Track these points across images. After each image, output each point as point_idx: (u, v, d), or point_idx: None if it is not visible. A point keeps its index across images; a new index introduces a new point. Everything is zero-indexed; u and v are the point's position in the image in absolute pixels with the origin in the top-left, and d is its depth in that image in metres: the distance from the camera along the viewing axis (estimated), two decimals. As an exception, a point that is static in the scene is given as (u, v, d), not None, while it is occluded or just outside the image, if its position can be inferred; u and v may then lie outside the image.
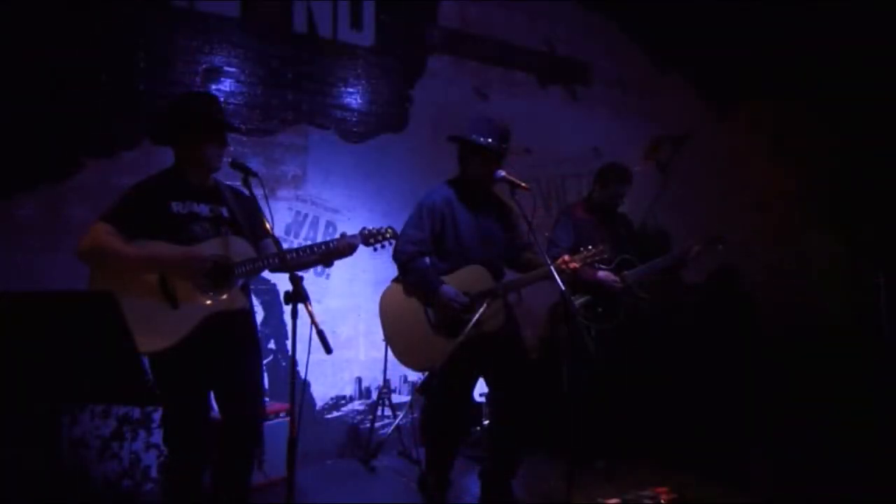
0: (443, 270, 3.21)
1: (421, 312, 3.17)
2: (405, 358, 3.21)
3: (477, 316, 3.06)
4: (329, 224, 4.40)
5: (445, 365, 3.03)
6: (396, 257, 3.20)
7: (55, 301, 1.89)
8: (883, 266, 5.66)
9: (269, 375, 4.08)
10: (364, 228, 2.89)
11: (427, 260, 3.23)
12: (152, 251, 2.45)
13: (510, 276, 3.37)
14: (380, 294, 3.29)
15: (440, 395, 3.35)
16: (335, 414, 4.39)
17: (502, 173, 3.04)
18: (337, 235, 2.86)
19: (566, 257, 3.10)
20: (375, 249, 2.94)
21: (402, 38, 4.79)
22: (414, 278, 3.16)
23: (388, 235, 2.94)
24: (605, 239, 3.85)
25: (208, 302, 2.49)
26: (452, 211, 3.22)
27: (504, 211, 3.38)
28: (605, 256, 3.31)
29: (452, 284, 3.15)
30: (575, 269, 3.09)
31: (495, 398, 3.26)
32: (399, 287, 3.23)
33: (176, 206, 2.56)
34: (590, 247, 3.24)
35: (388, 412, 4.46)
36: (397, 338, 3.21)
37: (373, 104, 4.65)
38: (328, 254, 2.76)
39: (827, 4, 6.09)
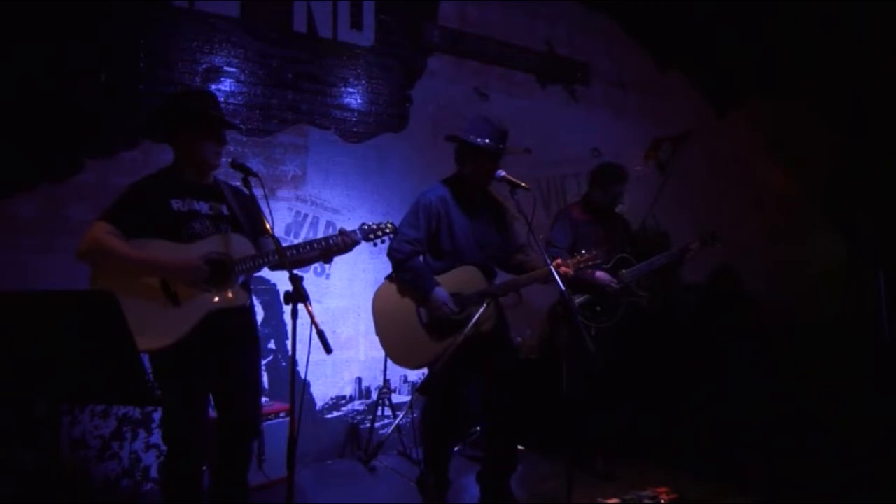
0: (437, 270, 3.22)
1: (413, 312, 3.18)
2: (396, 356, 3.22)
3: (477, 316, 3.07)
4: (329, 224, 4.40)
5: (446, 365, 3.04)
6: (392, 255, 3.20)
7: (55, 301, 1.89)
8: (882, 265, 5.67)
9: (269, 375, 4.09)
10: (363, 223, 2.88)
11: (421, 259, 3.24)
12: (151, 255, 2.45)
13: (502, 277, 3.38)
14: (377, 293, 3.30)
15: (441, 395, 3.35)
16: (335, 414, 4.39)
17: (502, 173, 3.04)
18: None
19: (559, 261, 3.10)
20: (375, 244, 2.93)
21: (402, 38, 4.79)
22: (409, 277, 3.17)
23: (387, 230, 2.93)
24: (603, 239, 3.87)
25: (210, 300, 2.49)
26: (448, 210, 3.22)
27: (499, 211, 3.38)
28: (599, 262, 3.31)
29: (446, 284, 3.16)
30: (567, 274, 3.07)
31: (488, 398, 3.26)
32: (392, 286, 3.24)
33: (176, 204, 2.56)
34: (583, 251, 3.24)
35: (388, 412, 4.46)
36: (389, 336, 3.21)
37: (373, 104, 4.65)
38: (328, 250, 2.75)
39: (827, 4, 6.10)
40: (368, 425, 4.37)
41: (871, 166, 6.23)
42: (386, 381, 4.40)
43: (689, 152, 6.33)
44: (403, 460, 4.27)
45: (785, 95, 6.53)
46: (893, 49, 5.97)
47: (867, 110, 6.23)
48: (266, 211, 2.49)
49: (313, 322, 2.11)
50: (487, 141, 3.14)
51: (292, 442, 2.19)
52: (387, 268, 3.28)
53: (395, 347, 3.21)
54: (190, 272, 2.44)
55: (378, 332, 3.23)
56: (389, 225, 2.95)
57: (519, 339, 4.74)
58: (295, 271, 2.25)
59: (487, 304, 3.11)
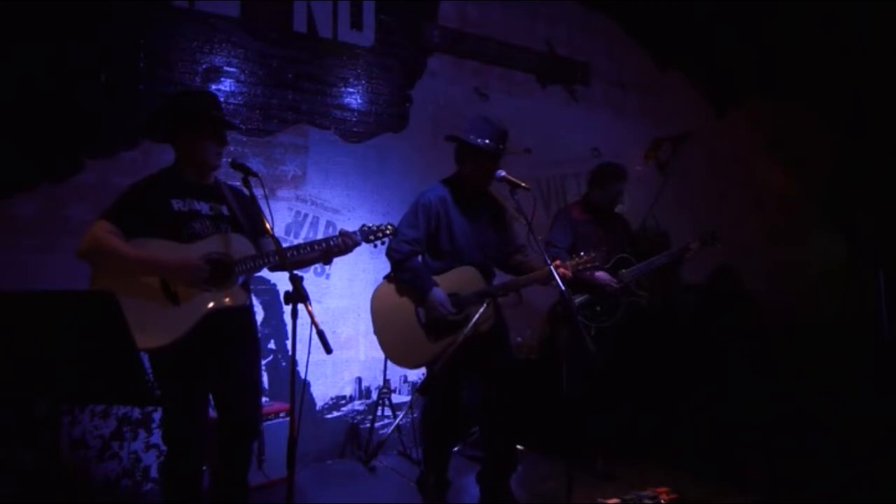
0: (436, 270, 3.22)
1: (412, 312, 3.18)
2: (395, 356, 3.22)
3: (476, 317, 3.07)
4: (329, 224, 4.40)
5: (446, 365, 3.04)
6: (391, 255, 3.20)
7: (55, 301, 1.89)
8: (882, 265, 5.67)
9: (269, 375, 4.09)
10: (364, 225, 2.89)
11: (419, 259, 3.24)
12: (152, 255, 2.45)
13: (500, 277, 3.37)
14: (376, 293, 3.30)
15: (440, 395, 3.35)
16: (335, 414, 4.39)
17: (502, 173, 3.04)
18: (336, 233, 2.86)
19: (557, 262, 3.09)
20: (375, 246, 2.94)
21: (402, 38, 4.79)
22: (407, 277, 3.17)
23: (388, 232, 2.93)
24: (603, 239, 3.86)
25: (210, 300, 2.49)
26: (447, 210, 3.22)
27: (499, 212, 3.38)
28: (597, 265, 3.30)
29: (444, 284, 3.16)
30: (565, 276, 3.06)
31: (488, 398, 3.26)
32: (391, 286, 3.24)
33: (177, 204, 2.56)
34: (582, 253, 3.23)
35: (388, 412, 4.46)
36: (387, 336, 3.21)
37: (373, 104, 4.65)
38: (328, 251, 2.76)
39: (827, 5, 6.10)
40: (368, 425, 4.37)
41: (871, 166, 6.24)
42: (386, 381, 4.40)
43: (689, 152, 6.33)
44: (403, 460, 4.27)
45: (785, 95, 6.54)
46: (893, 49, 5.97)
47: (867, 110, 6.24)
48: (266, 211, 2.49)
49: (313, 322, 2.11)
50: (487, 141, 3.14)
51: (292, 442, 2.19)
52: (387, 268, 3.28)
53: (394, 347, 3.21)
54: (190, 272, 2.45)
55: (376, 332, 3.23)
56: (389, 226, 2.95)
57: (519, 339, 4.74)
58: (295, 271, 2.25)
59: (486, 305, 3.11)
